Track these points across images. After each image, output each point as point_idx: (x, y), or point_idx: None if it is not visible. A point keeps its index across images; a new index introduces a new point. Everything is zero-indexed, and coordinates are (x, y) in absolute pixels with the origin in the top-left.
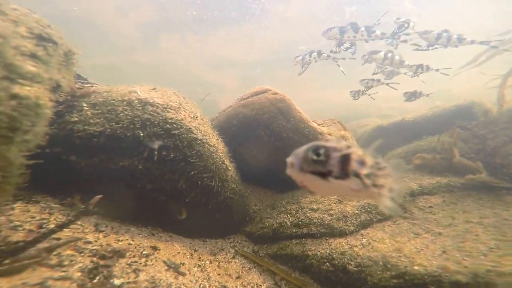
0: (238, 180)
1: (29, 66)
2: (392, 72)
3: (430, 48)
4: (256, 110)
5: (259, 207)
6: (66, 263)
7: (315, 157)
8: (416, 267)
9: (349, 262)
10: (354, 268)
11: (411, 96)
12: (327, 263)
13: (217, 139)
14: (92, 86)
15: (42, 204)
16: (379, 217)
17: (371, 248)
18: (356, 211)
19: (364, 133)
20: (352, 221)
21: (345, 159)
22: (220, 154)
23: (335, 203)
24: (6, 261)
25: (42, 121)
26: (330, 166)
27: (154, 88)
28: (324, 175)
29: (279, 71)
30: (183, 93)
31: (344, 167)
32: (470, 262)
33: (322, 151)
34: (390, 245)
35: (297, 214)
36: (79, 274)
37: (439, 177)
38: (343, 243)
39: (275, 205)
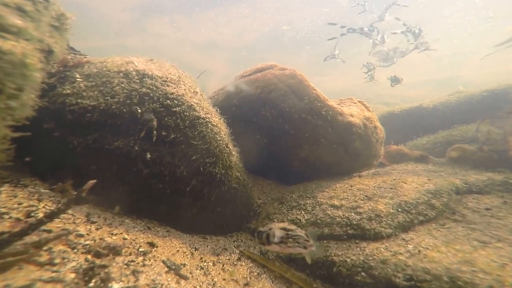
0: (242, 168)
1: (14, 19)
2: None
3: None
4: (261, 88)
5: (263, 201)
6: (57, 261)
7: (258, 236)
8: None
9: (395, 273)
10: (404, 282)
11: (395, 80)
12: (362, 273)
13: (219, 119)
14: (85, 57)
15: (30, 189)
16: (421, 218)
17: (424, 257)
18: (391, 210)
19: None
20: (388, 222)
21: (268, 235)
22: (224, 136)
23: (362, 200)
24: None
25: (31, 86)
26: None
27: (151, 60)
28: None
29: (270, 54)
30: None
31: (268, 239)
32: None
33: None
34: (451, 255)
35: (313, 211)
36: (72, 275)
37: (489, 173)
38: (382, 249)
39: (284, 199)
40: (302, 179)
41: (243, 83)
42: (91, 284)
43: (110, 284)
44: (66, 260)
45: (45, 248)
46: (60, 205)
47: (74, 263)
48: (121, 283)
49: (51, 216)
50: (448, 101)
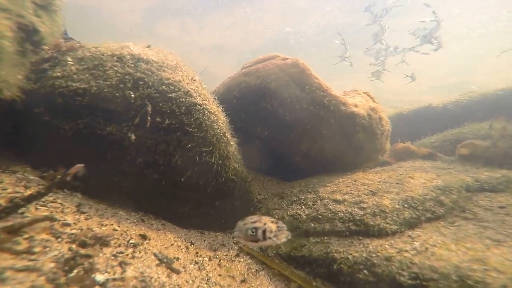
0: (240, 160)
1: None
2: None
3: None
4: (262, 78)
5: (264, 196)
6: (37, 249)
7: (251, 233)
8: None
9: (400, 271)
10: (409, 281)
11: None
12: (365, 271)
13: (217, 106)
14: (80, 43)
15: (19, 175)
16: (429, 215)
17: (431, 255)
18: (397, 206)
19: None
20: (394, 218)
21: (264, 231)
22: (221, 125)
23: (366, 195)
24: None
25: (6, 59)
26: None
27: (148, 46)
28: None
29: None
30: None
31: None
32: None
33: (254, 229)
34: (461, 253)
35: (314, 206)
36: (51, 265)
37: (504, 170)
38: (386, 246)
39: (284, 194)
40: (304, 175)
41: (244, 74)
42: (72, 274)
43: (93, 275)
44: (47, 249)
45: (26, 236)
46: (40, 188)
47: (55, 252)
48: (106, 274)
49: (28, 200)
50: (459, 101)
